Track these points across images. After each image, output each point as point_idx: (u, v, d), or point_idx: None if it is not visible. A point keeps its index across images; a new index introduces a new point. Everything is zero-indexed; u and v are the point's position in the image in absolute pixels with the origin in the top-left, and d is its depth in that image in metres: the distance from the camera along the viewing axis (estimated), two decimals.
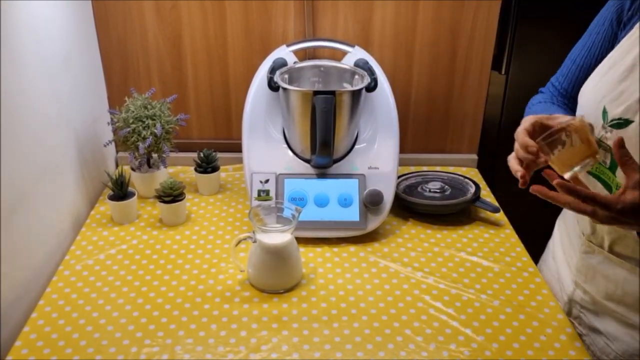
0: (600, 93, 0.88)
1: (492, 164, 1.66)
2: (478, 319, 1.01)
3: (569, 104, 1.03)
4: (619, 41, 0.90)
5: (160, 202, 1.25)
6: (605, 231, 0.92)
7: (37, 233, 1.10)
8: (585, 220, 0.97)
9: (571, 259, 1.04)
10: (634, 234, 0.87)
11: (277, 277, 1.07)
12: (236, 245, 1.07)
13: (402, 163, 1.45)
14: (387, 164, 1.26)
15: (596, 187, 0.91)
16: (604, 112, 0.86)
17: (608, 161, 0.87)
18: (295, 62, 1.30)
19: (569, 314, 1.04)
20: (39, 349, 0.93)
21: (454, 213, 1.33)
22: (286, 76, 1.26)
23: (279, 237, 1.06)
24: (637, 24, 0.85)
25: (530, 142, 0.83)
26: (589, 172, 0.92)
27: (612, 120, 0.85)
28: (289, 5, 1.40)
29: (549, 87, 1.08)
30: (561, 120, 0.86)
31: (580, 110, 0.93)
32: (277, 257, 1.06)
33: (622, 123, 0.83)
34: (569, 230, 1.06)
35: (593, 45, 0.97)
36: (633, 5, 0.89)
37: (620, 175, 0.84)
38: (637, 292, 0.90)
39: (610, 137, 0.85)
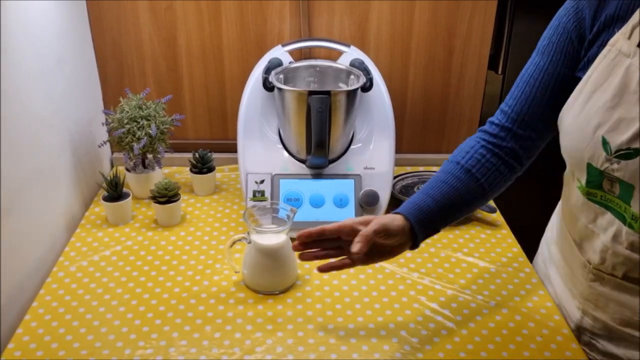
0: (592, 122, 0.81)
1: None
2: (474, 320, 1.01)
3: (521, 130, 0.93)
4: (587, 59, 0.85)
5: (155, 202, 1.25)
6: (618, 261, 0.87)
7: (31, 234, 1.09)
8: (591, 249, 0.91)
9: (575, 287, 0.98)
10: None
11: (272, 278, 1.07)
12: (231, 246, 1.06)
13: (398, 163, 1.44)
14: (383, 164, 1.26)
15: (605, 216, 0.86)
16: (604, 143, 0.80)
17: (617, 191, 0.82)
18: (290, 62, 1.30)
19: (578, 339, 0.99)
20: (32, 351, 0.92)
21: None
22: (281, 76, 1.26)
23: (273, 238, 1.06)
24: (610, 44, 0.80)
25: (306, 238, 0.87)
26: (596, 202, 0.87)
27: (617, 151, 0.79)
28: (285, 5, 1.40)
29: (497, 115, 0.97)
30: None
31: (571, 140, 0.86)
32: (272, 258, 1.06)
33: (631, 153, 0.78)
34: (567, 259, 1.00)
35: (550, 64, 0.89)
36: (596, 21, 0.83)
37: (635, 205, 0.80)
38: None
39: (618, 169, 0.80)
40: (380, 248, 0.89)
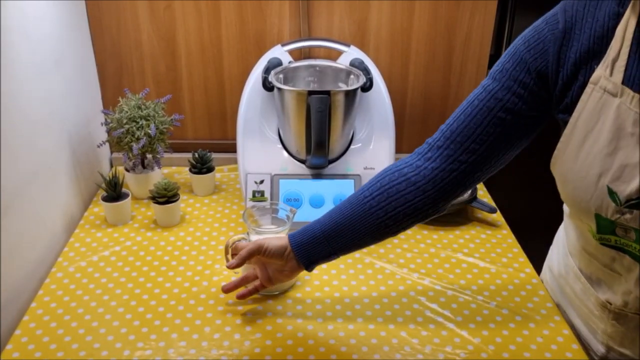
0: (592, 170, 0.76)
1: None
2: (474, 320, 1.00)
3: (452, 151, 0.85)
4: (569, 100, 0.78)
5: (155, 203, 1.24)
6: None
7: (29, 235, 1.09)
8: (612, 290, 0.89)
9: (596, 324, 0.94)
10: None
11: None
12: (230, 246, 1.06)
13: None
14: (383, 164, 1.25)
15: (624, 260, 0.83)
16: (611, 193, 0.75)
17: (633, 237, 0.78)
18: (290, 62, 1.30)
19: None
20: (31, 352, 0.92)
21: (451, 214, 1.32)
22: (281, 76, 1.26)
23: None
24: (593, 82, 0.75)
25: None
26: (612, 246, 0.83)
27: (628, 201, 0.74)
28: (284, 5, 1.39)
29: (434, 135, 0.90)
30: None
31: (573, 190, 0.80)
32: None
33: None
34: (580, 297, 0.97)
35: (500, 89, 0.82)
36: (565, 59, 0.77)
37: None
38: None
39: (632, 218, 0.74)
40: (275, 267, 0.97)
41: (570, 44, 0.77)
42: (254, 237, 1.05)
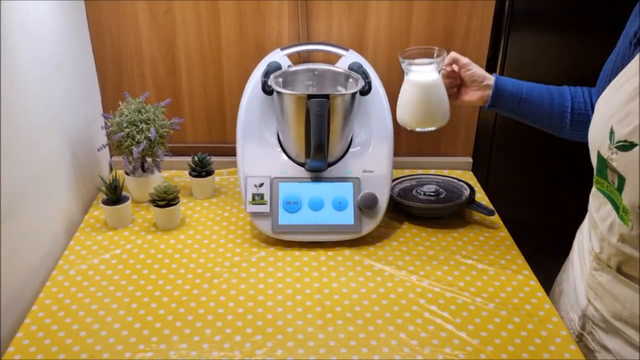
0: (609, 111, 0.85)
1: (486, 167, 1.67)
2: (473, 322, 1.01)
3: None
4: (634, 55, 0.88)
5: (155, 206, 1.25)
6: (612, 252, 0.90)
7: (30, 238, 1.09)
8: (595, 237, 0.96)
9: (584, 274, 1.02)
10: None
11: (426, 112, 1.13)
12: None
13: (396, 166, 1.45)
14: (382, 167, 1.26)
15: (606, 207, 0.90)
16: (611, 132, 0.84)
17: (616, 182, 0.85)
18: (289, 66, 1.30)
19: (582, 328, 1.02)
20: (32, 354, 0.92)
21: (449, 216, 1.33)
22: (280, 80, 1.26)
23: (427, 73, 1.12)
24: None
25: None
26: (602, 191, 0.90)
27: (618, 142, 0.83)
28: (283, 9, 1.40)
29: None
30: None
31: (593, 126, 0.92)
32: (426, 93, 1.12)
33: (627, 145, 0.81)
34: (584, 244, 1.04)
35: (617, 58, 0.96)
36: None
37: (626, 199, 0.83)
38: None
39: (616, 159, 0.83)
40: (467, 85, 1.15)
41: None
42: (410, 76, 1.13)
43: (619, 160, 0.83)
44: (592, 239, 0.98)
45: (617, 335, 0.94)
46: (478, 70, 1.13)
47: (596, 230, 0.95)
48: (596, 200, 0.94)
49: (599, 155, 0.88)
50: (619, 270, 0.91)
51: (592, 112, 0.95)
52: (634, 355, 0.91)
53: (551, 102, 1.09)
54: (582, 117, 1.07)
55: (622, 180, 0.83)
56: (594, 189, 0.95)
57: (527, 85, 1.12)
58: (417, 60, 1.12)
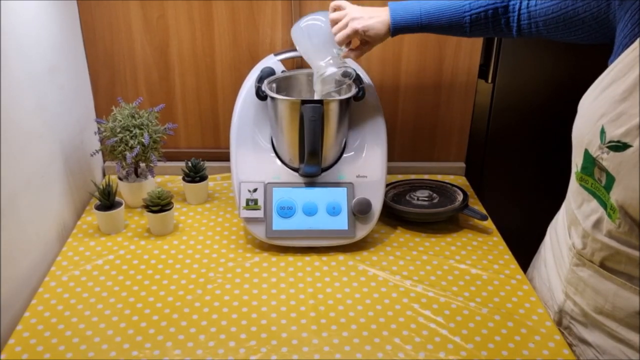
0: (599, 110, 0.85)
1: (479, 172, 1.67)
2: (467, 326, 1.01)
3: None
4: (619, 48, 0.86)
5: (148, 211, 1.24)
6: (596, 247, 0.91)
7: (22, 244, 1.09)
8: (576, 234, 0.97)
9: (561, 269, 1.03)
10: (629, 251, 0.86)
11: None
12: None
13: (390, 171, 1.45)
14: (375, 172, 1.26)
15: (590, 204, 0.91)
16: (602, 132, 0.84)
17: (604, 180, 0.86)
18: (283, 71, 1.31)
19: (559, 323, 1.04)
20: None
21: (442, 221, 1.34)
22: (274, 85, 1.27)
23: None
24: (638, 39, 0.82)
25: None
26: (586, 188, 0.91)
27: (609, 142, 0.83)
28: (277, 15, 1.40)
29: None
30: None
31: (579, 124, 0.91)
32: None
33: (620, 146, 0.81)
34: (559, 241, 1.05)
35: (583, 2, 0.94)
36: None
37: (614, 198, 0.84)
38: (627, 307, 0.89)
39: (606, 159, 0.84)
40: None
41: None
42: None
43: (610, 160, 0.83)
44: (573, 236, 0.98)
45: (598, 329, 0.95)
46: (375, 30, 1.12)
47: (577, 227, 0.96)
48: (578, 196, 0.95)
49: (587, 153, 0.88)
50: (602, 265, 0.92)
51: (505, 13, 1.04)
52: (616, 347, 0.93)
53: (450, 20, 1.11)
54: (481, 22, 1.10)
55: (611, 179, 0.84)
56: (575, 186, 0.96)
57: (425, 8, 1.11)
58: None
